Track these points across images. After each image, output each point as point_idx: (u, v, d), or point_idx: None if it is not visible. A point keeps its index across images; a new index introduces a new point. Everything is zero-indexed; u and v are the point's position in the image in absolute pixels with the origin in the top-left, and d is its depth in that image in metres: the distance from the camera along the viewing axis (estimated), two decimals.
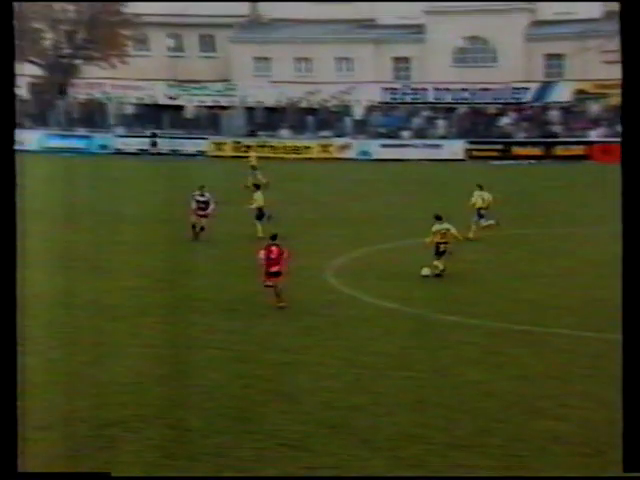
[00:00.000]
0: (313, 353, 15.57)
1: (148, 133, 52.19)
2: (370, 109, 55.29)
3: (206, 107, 56.08)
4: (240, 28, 60.17)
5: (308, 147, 51.90)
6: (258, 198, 27.29)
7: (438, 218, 21.77)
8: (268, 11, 61.46)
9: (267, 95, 55.48)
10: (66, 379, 13.95)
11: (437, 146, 51.26)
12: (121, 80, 56.00)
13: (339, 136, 53.15)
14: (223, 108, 55.82)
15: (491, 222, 26.47)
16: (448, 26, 55.73)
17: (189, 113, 56.11)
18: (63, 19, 56.20)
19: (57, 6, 55.96)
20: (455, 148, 50.74)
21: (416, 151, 50.69)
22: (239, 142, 52.02)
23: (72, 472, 10.37)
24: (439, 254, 21.54)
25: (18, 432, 7.63)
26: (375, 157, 50.47)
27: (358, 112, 55.23)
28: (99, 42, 56.28)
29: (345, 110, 55.26)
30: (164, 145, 51.60)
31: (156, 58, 60.43)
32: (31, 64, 56.17)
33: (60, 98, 55.85)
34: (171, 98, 56.35)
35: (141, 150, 51.05)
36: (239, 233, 27.03)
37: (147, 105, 55.92)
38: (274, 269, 18.90)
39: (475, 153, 50.45)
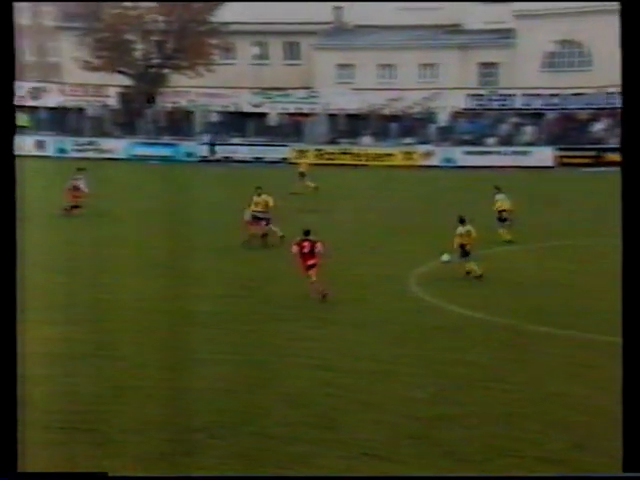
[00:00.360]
0: (400, 363, 15.41)
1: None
2: (454, 116, 54.83)
3: (289, 115, 56.41)
4: (324, 35, 60.40)
5: (391, 154, 51.72)
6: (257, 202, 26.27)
7: (461, 221, 22.29)
8: (352, 18, 61.58)
9: (349, 102, 55.54)
10: (154, 384, 14.08)
11: (525, 153, 50.52)
12: (207, 88, 56.76)
13: (422, 143, 52.86)
14: (305, 115, 56.06)
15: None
16: (539, 30, 54.92)
17: (272, 121, 56.52)
18: (154, 30, 57.22)
19: (148, 17, 56.96)
20: (544, 155, 49.92)
21: (502, 158, 50.04)
22: (321, 150, 52.16)
23: (71, 472, 10.37)
24: (465, 255, 22.08)
25: (19, 433, 7.64)
26: (459, 164, 50.01)
27: (442, 119, 54.84)
28: (187, 51, 57.16)
29: (429, 117, 54.94)
30: (249, 153, 52.07)
31: (241, 66, 61.13)
32: (121, 74, 57.39)
33: (148, 107, 56.86)
34: (255, 106, 56.85)
35: (225, 157, 51.60)
36: (323, 240, 26.99)
37: (232, 113, 56.51)
38: (310, 262, 19.90)
39: (566, 160, 49.54)
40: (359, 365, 15.27)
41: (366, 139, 54.32)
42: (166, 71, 58.07)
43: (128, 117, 56.64)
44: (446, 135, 53.72)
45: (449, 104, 54.55)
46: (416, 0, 58.75)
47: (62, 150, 52.10)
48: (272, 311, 18.98)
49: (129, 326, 17.54)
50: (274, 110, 56.43)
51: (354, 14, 61.25)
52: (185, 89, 57.38)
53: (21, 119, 55.62)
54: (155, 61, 58.07)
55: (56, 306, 18.91)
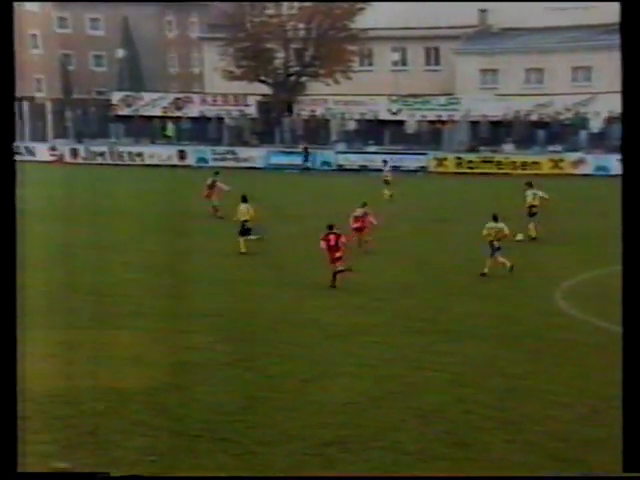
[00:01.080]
0: (539, 379, 15.01)
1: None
2: (609, 121, 52.76)
3: (427, 122, 56.02)
4: (467, 39, 59.63)
5: (537, 162, 50.25)
6: (242, 211, 26.33)
7: (495, 218, 23.58)
8: (498, 20, 60.59)
9: (492, 108, 54.63)
10: (285, 396, 14.23)
11: None
12: (344, 96, 57.06)
13: (571, 151, 51.20)
14: (445, 123, 55.55)
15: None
16: None
17: (410, 128, 56.27)
18: (293, 38, 57.93)
19: (289, 25, 57.73)
20: None
21: None
22: (461, 158, 51.56)
23: (71, 472, 10.64)
24: (495, 250, 23.22)
25: (18, 433, 7.71)
26: (614, 173, 48.25)
27: (596, 125, 52.87)
28: (325, 58, 57.59)
29: (580, 123, 53.16)
30: (390, 162, 51.98)
31: (379, 73, 61.20)
32: (261, 83, 58.36)
33: (286, 116, 57.62)
34: (393, 113, 56.77)
35: (361, 166, 51.71)
36: (458, 252, 26.73)
37: (369, 121, 56.56)
38: (337, 254, 21.96)
39: None
40: (494, 381, 14.98)
41: (508, 147, 53.20)
42: (304, 79, 58.72)
43: (266, 126, 57.54)
44: (599, 142, 51.77)
45: (604, 109, 52.34)
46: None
47: (202, 160, 53.37)
48: (405, 323, 18.87)
49: (261, 336, 17.76)
50: (412, 117, 56.17)
51: (500, 17, 60.22)
52: (322, 97, 57.86)
53: (167, 129, 57.35)
54: (294, 69, 58.79)
55: (195, 315, 19.39)
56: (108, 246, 27.09)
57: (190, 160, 53.76)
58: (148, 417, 13.32)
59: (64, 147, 55.45)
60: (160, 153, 54.23)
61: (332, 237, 22.02)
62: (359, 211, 27.05)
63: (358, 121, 56.69)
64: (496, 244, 23.25)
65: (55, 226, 30.23)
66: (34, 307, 19.57)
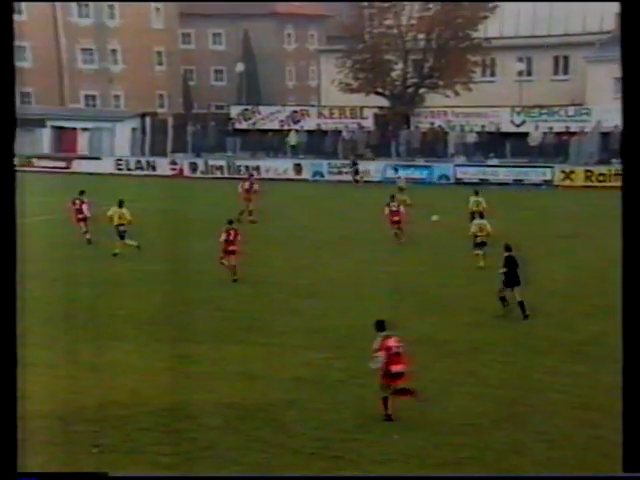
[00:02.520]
0: None
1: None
2: None
3: (553, 134, 54.88)
4: (600, 46, 57.94)
5: None
6: (114, 212, 27.69)
7: (481, 216, 26.83)
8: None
9: None
10: (402, 415, 14.11)
11: None
12: (464, 108, 56.53)
13: None
14: (573, 134, 54.27)
15: None
16: None
17: (533, 140, 55.26)
18: (413, 48, 57.64)
19: (408, 36, 57.51)
20: None
21: None
22: (591, 171, 50.18)
23: (71, 472, 10.71)
24: (477, 245, 25.79)
25: (18, 433, 7.83)
26: None
27: None
28: (446, 69, 57.03)
29: None
30: (509, 175, 51.30)
31: (501, 83, 60.40)
32: (378, 95, 58.35)
33: (403, 128, 57.44)
34: (516, 125, 55.90)
35: (481, 180, 51.06)
36: (588, 269, 26.09)
37: (489, 133, 55.80)
38: (231, 248, 24.06)
39: None
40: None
41: None
42: (423, 91, 58.43)
43: (382, 139, 57.49)
44: None
45: None
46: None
47: (318, 173, 53.67)
48: (530, 343, 18.50)
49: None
50: (537, 129, 55.15)
51: None
52: (441, 109, 57.46)
53: (291, 138, 57.93)
54: (412, 81, 58.57)
55: (310, 331, 19.50)
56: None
57: (306, 174, 54.18)
58: (264, 433, 13.46)
59: (184, 161, 56.79)
60: (276, 167, 54.88)
61: (232, 232, 24.37)
62: (395, 205, 29.62)
63: (478, 133, 55.99)
64: (479, 239, 25.76)
65: (173, 239, 30.94)
66: (151, 320, 20.08)
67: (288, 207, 40.65)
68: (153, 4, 75.81)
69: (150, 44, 74.42)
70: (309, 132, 58.06)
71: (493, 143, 54.84)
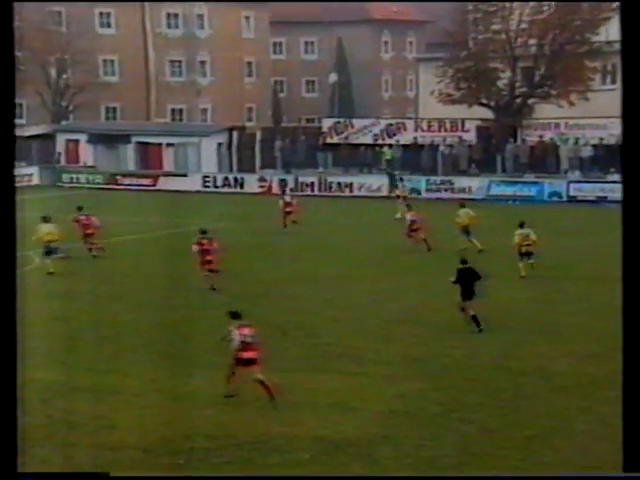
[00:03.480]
0: None
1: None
2: None
3: None
4: None
5: None
6: (43, 230, 28.93)
7: (521, 225, 28.51)
8: None
9: None
10: (508, 454, 14.01)
11: None
12: (579, 119, 55.33)
13: None
14: None
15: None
16: None
17: None
18: (523, 55, 56.32)
19: (518, 41, 56.36)
20: None
21: None
22: None
23: (72, 472, 11.35)
24: (522, 255, 27.95)
25: (18, 433, 8.32)
26: None
27: None
28: (560, 77, 55.25)
29: None
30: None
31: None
32: (481, 106, 57.38)
33: (509, 142, 56.52)
34: None
35: (598, 197, 50.05)
36: None
37: (607, 146, 54.31)
38: (208, 258, 25.82)
39: None
40: None
41: None
42: (532, 101, 57.31)
43: (485, 153, 56.70)
44: None
45: None
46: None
47: (415, 190, 53.07)
48: None
49: (477, 384, 17.63)
50: None
51: None
52: (553, 120, 56.45)
53: (387, 153, 57.92)
54: (521, 90, 57.40)
55: (405, 359, 19.51)
56: (313, 282, 27.76)
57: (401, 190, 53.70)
58: (356, 469, 13.50)
59: (273, 178, 57.27)
60: (370, 183, 54.92)
61: (205, 242, 26.04)
62: (410, 215, 33.13)
63: (594, 146, 54.56)
64: (524, 250, 27.94)
65: (265, 262, 31.34)
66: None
67: (380, 226, 40.70)
68: (243, 12, 77.09)
69: (240, 55, 75.62)
70: (405, 146, 57.78)
71: (612, 157, 53.02)
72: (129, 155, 61.47)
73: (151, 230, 39.33)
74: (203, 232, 26.65)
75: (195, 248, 26.30)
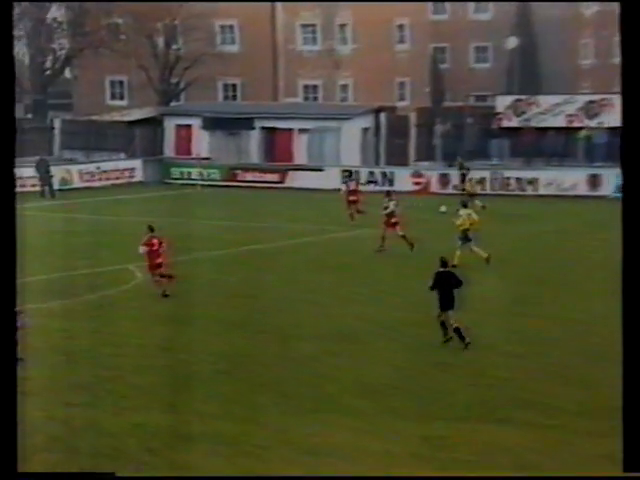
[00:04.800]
0: None
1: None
2: None
3: None
4: None
5: None
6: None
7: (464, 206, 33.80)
8: None
9: None
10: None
11: None
12: None
13: None
14: None
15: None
16: None
17: None
18: None
19: None
20: None
21: None
22: None
23: (74, 472, 13.33)
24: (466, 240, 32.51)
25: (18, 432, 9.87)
26: None
27: None
28: None
29: None
30: None
31: None
32: None
33: None
34: None
35: None
36: None
37: None
38: (159, 260, 28.01)
39: None
40: None
41: None
42: None
43: None
44: None
45: None
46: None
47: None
48: None
49: None
50: None
51: None
52: None
53: (582, 135, 56.86)
54: None
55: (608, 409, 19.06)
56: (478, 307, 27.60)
57: (606, 189, 52.32)
58: None
59: (431, 172, 56.94)
60: (562, 179, 54.06)
61: (155, 241, 28.06)
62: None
63: None
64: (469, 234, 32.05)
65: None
66: (387, 388, 20.27)
67: (578, 234, 40.07)
68: None
69: (390, 15, 75.31)
70: (611, 129, 55.99)
71: None
72: (252, 144, 62.12)
73: (293, 237, 39.74)
74: (151, 229, 28.44)
75: (143, 249, 28.22)
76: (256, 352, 23.25)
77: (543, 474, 15.65)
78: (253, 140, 62.03)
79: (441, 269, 23.35)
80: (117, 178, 59.68)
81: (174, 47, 70.86)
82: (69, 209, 49.35)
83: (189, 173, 60.73)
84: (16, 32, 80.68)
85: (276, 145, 61.63)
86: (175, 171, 61.52)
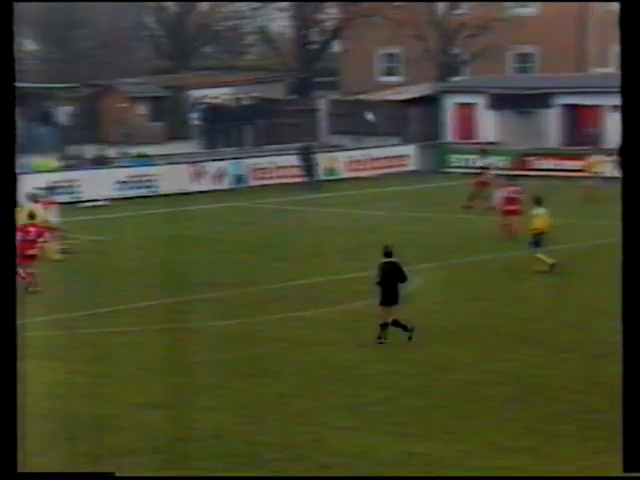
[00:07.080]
0: None
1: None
2: None
3: None
4: None
5: None
6: None
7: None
8: None
9: None
10: None
11: None
12: None
13: None
14: None
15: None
16: None
17: None
18: None
19: None
20: None
21: None
22: None
23: (74, 472, 15.07)
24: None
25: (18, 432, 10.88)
26: None
27: None
28: None
29: None
30: None
31: None
32: None
33: None
34: None
35: None
36: None
37: None
38: (31, 252, 28.93)
39: None
40: None
41: None
42: None
43: None
44: None
45: None
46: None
47: None
48: None
49: None
50: None
51: None
52: None
53: None
54: None
55: None
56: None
57: None
58: None
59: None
60: None
61: (32, 229, 29.18)
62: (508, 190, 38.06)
63: None
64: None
65: None
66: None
67: None
68: None
69: None
70: None
71: None
72: (549, 125, 61.62)
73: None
74: (32, 217, 30.30)
75: (17, 236, 29.48)
76: (556, 373, 23.12)
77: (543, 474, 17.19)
78: (550, 120, 61.53)
79: (385, 259, 23.87)
80: (388, 167, 60.27)
81: (457, 12, 70.78)
82: (334, 203, 50.19)
83: (472, 160, 59.90)
84: (278, 4, 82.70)
85: (580, 125, 61.01)
86: (454, 158, 61.48)
